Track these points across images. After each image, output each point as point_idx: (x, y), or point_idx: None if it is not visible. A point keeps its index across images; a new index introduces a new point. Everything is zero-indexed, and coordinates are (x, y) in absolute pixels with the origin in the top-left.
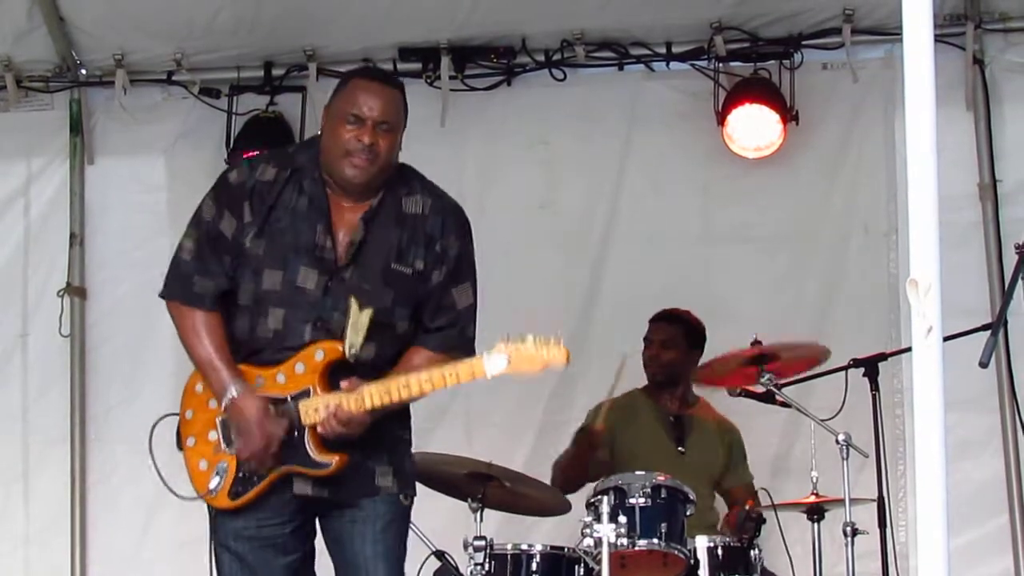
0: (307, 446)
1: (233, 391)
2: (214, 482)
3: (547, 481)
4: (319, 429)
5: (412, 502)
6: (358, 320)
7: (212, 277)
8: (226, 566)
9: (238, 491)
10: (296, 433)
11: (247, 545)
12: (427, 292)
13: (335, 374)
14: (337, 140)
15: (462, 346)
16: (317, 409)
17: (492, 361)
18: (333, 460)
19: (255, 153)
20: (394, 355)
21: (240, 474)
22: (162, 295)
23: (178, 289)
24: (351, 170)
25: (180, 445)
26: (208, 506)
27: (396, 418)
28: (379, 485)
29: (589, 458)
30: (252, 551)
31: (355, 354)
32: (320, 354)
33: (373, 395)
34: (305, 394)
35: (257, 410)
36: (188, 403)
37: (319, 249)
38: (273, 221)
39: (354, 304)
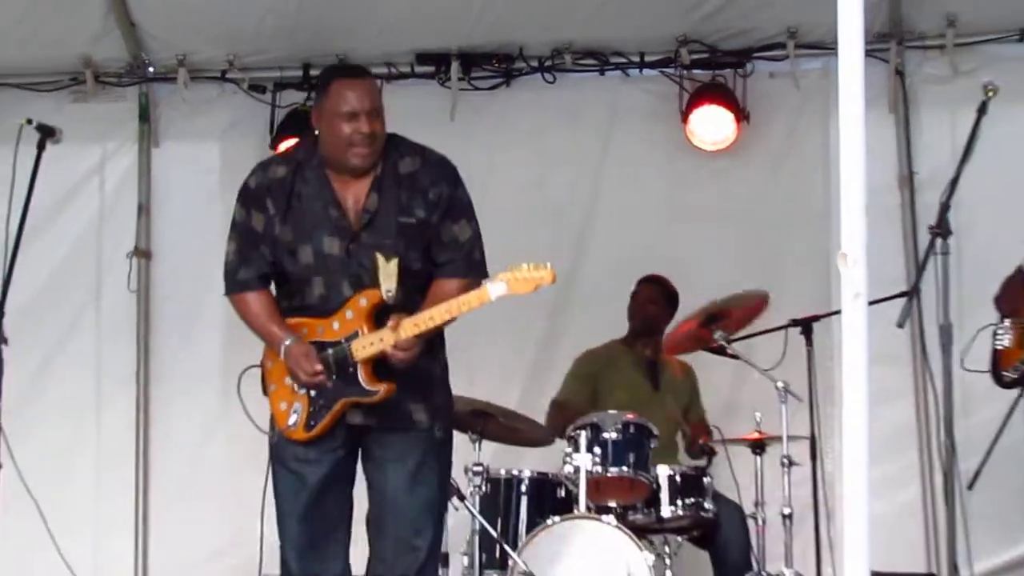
0: (360, 378)
1: (287, 342)
2: (292, 419)
3: (538, 419)
4: (390, 358)
5: (448, 436)
6: (387, 268)
7: (253, 264)
8: (282, 483)
9: (311, 424)
10: (351, 369)
11: (306, 468)
12: (431, 233)
13: (379, 317)
14: (339, 135)
15: (473, 269)
16: (365, 347)
17: (494, 287)
18: (382, 388)
19: (293, 140)
20: (419, 295)
21: (312, 409)
22: (225, 294)
23: (231, 284)
24: (357, 159)
25: (265, 391)
26: (272, 435)
27: (428, 352)
28: (414, 419)
29: (564, 422)
30: (310, 472)
31: (391, 296)
32: (364, 301)
33: (409, 327)
34: (355, 336)
35: (303, 351)
36: (269, 356)
37: (333, 220)
38: (293, 208)
39: (380, 257)
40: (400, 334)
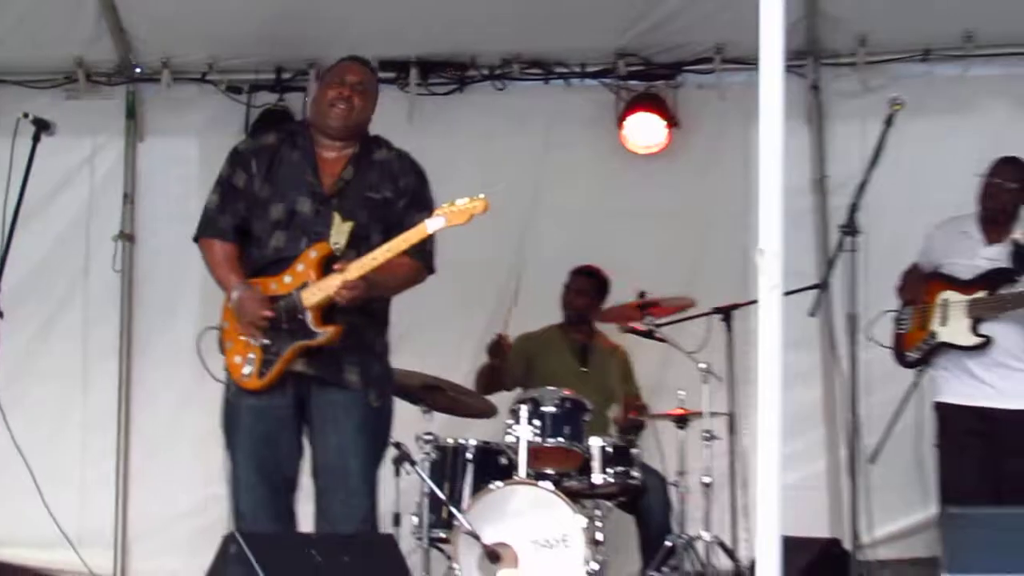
0: (309, 323)
1: (237, 290)
2: (246, 369)
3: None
4: (336, 298)
5: (384, 407)
6: (340, 227)
7: (230, 215)
8: (236, 438)
9: (263, 372)
10: (300, 316)
11: (258, 424)
12: (394, 216)
13: (328, 268)
14: (324, 97)
15: (424, 256)
16: (314, 293)
17: (432, 222)
18: (328, 330)
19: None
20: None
21: (265, 357)
22: (195, 237)
23: (206, 228)
24: (334, 119)
25: (222, 349)
26: (227, 388)
27: (371, 326)
28: (347, 379)
29: (498, 365)
30: (262, 428)
31: (339, 249)
32: (314, 253)
33: (354, 268)
34: (305, 286)
35: (251, 295)
36: (225, 317)
37: (310, 184)
38: (275, 170)
39: (337, 217)
40: (346, 275)
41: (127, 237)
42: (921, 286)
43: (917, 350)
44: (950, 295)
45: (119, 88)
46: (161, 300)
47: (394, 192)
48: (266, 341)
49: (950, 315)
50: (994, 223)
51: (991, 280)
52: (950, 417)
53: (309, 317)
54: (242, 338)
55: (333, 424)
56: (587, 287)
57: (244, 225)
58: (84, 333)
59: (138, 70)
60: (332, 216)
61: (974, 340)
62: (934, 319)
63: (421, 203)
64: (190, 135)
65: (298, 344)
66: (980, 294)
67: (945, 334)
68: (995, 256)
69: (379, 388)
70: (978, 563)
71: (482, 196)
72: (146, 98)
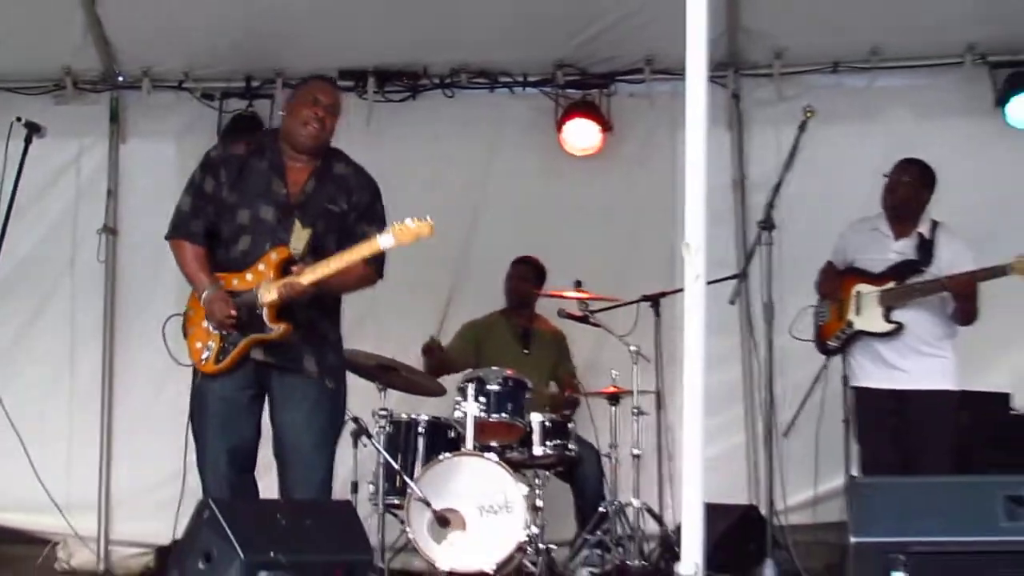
0: (264, 318)
1: (209, 291)
2: (205, 354)
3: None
4: (283, 290)
5: (339, 390)
6: (300, 233)
7: (201, 219)
8: (198, 417)
9: (220, 358)
10: (258, 311)
11: (223, 405)
12: (348, 227)
13: (287, 270)
14: (299, 115)
15: (375, 262)
16: (270, 291)
17: (383, 238)
18: (281, 326)
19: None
20: None
21: (223, 345)
22: (166, 237)
23: (178, 231)
24: (307, 138)
25: (185, 334)
26: (194, 375)
27: (325, 319)
28: (305, 368)
29: (434, 365)
30: (226, 408)
31: (298, 253)
32: (274, 255)
33: (308, 273)
34: (263, 284)
35: (221, 297)
36: (190, 305)
37: (275, 193)
38: (244, 178)
39: (297, 223)
40: (301, 279)
41: (110, 231)
42: (837, 281)
43: (836, 339)
44: (863, 287)
45: (103, 94)
46: (141, 288)
47: (348, 205)
48: (224, 332)
49: (864, 305)
50: (900, 219)
51: (900, 271)
52: (868, 400)
53: (265, 313)
54: (203, 324)
55: (292, 406)
56: (527, 274)
57: (213, 228)
58: (71, 318)
59: (121, 78)
60: (294, 223)
61: (887, 327)
62: (850, 310)
63: (371, 216)
64: (168, 138)
65: (253, 336)
66: (890, 284)
67: (860, 323)
68: (903, 249)
69: (334, 374)
70: (881, 527)
71: (429, 220)
72: (128, 104)
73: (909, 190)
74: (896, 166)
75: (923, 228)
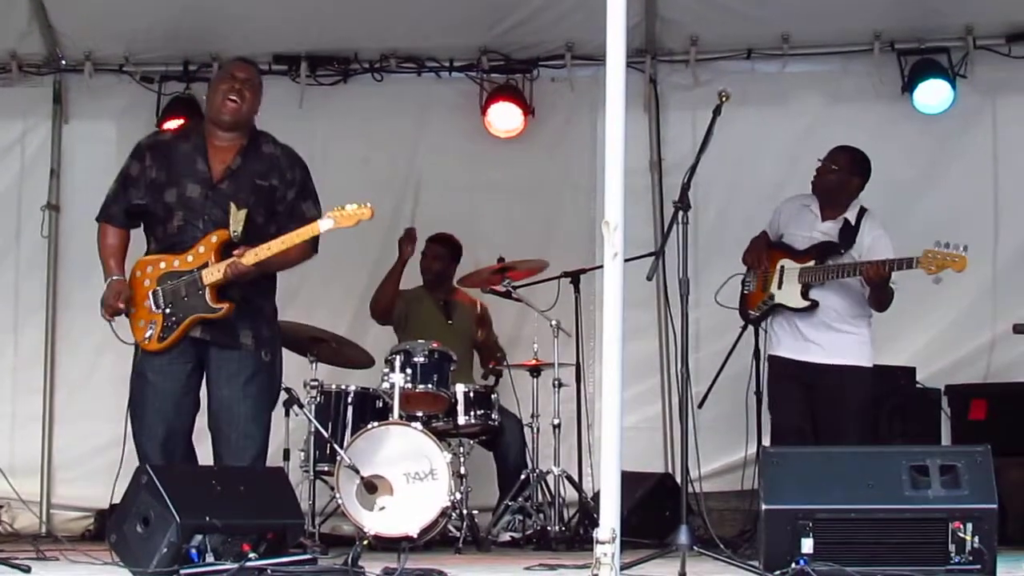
0: (207, 299)
1: (113, 277)
2: (148, 333)
3: (363, 346)
4: (228, 271)
5: (274, 361)
6: (237, 215)
7: (123, 202)
8: (141, 391)
9: (163, 336)
10: (200, 292)
11: (161, 378)
12: (281, 203)
13: (226, 252)
14: (217, 92)
15: (311, 241)
16: (213, 273)
17: (323, 222)
18: (224, 306)
19: (175, 120)
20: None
21: (165, 324)
22: (96, 218)
23: (101, 214)
24: (226, 112)
25: (127, 313)
26: (135, 350)
27: (260, 294)
28: (242, 342)
29: (407, 257)
30: (164, 381)
31: (237, 236)
32: (214, 238)
33: (250, 255)
34: (205, 265)
35: (118, 288)
36: (131, 285)
37: (199, 172)
38: (171, 159)
39: (233, 207)
40: (242, 261)
41: (53, 207)
42: (763, 252)
43: (758, 309)
44: (786, 262)
45: (47, 77)
46: (82, 261)
47: (281, 182)
48: (167, 311)
49: (785, 280)
50: (829, 203)
51: (820, 251)
52: (781, 368)
53: (207, 294)
54: (145, 304)
55: (228, 378)
56: (441, 252)
57: (139, 210)
58: (16, 289)
59: (64, 62)
60: (224, 202)
61: (803, 303)
62: (773, 283)
63: (306, 193)
64: (109, 119)
65: (196, 316)
66: (810, 263)
67: (780, 296)
68: (828, 231)
69: (270, 347)
70: (791, 495)
71: (369, 205)
72: (71, 86)
73: (836, 177)
74: (829, 153)
75: (850, 214)
